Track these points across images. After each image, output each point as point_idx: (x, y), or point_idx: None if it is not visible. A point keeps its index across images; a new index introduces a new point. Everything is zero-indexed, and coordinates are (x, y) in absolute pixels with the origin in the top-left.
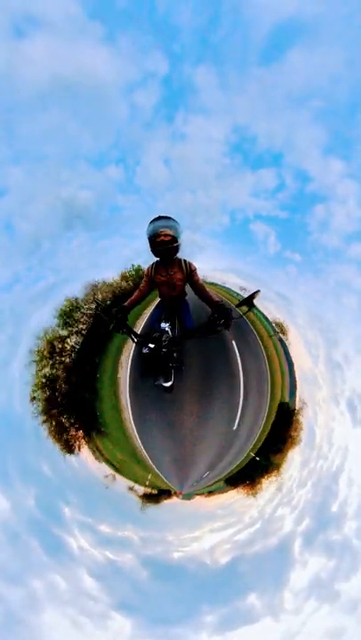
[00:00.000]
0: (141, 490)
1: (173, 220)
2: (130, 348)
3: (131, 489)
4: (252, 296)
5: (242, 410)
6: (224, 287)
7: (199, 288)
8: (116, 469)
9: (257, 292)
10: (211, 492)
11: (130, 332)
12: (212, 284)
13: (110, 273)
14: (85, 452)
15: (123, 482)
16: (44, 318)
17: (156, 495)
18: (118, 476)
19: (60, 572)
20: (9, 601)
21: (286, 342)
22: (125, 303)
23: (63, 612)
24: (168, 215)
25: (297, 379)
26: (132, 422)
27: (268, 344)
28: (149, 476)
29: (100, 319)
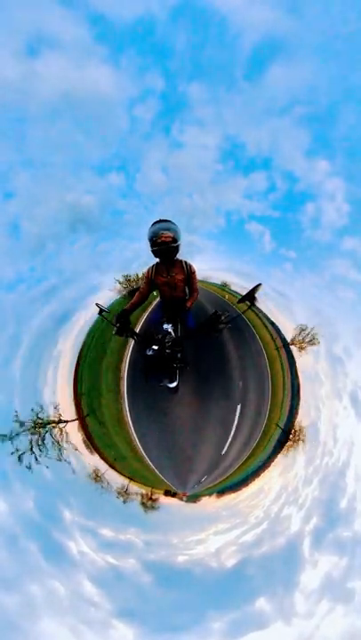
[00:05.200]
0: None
1: (173, 223)
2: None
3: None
4: (254, 290)
5: (242, 408)
6: (222, 286)
7: (192, 288)
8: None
9: (258, 285)
10: (220, 493)
11: (133, 334)
12: (211, 283)
13: (110, 274)
14: (86, 453)
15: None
16: (43, 321)
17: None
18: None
19: (59, 577)
20: (6, 607)
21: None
22: (127, 306)
23: (62, 620)
24: (168, 219)
25: (299, 377)
26: (131, 425)
27: (268, 342)
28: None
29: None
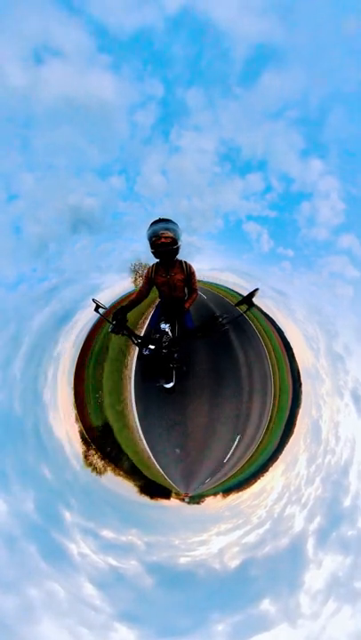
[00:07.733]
0: None
1: (173, 222)
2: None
3: None
4: (252, 294)
5: (247, 407)
6: (222, 286)
7: (191, 289)
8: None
9: (256, 290)
10: (226, 492)
11: (130, 333)
12: (211, 283)
13: (110, 274)
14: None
15: (127, 485)
16: (44, 321)
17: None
18: (119, 478)
19: (58, 579)
20: (3, 610)
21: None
22: (125, 304)
23: (61, 623)
24: (168, 218)
25: (300, 375)
26: (137, 423)
27: (269, 342)
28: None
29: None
